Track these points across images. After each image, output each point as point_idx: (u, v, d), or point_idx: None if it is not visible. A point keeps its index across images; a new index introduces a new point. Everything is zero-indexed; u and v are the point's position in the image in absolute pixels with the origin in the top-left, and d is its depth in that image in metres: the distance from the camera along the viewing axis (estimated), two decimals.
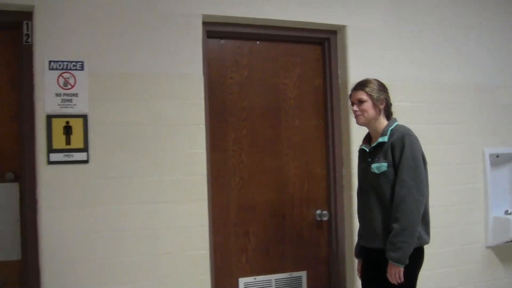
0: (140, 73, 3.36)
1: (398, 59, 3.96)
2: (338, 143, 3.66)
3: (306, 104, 3.73)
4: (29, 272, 3.23)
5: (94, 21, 3.31)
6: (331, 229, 3.69)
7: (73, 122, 3.22)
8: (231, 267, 3.68)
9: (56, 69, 3.22)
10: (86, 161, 3.24)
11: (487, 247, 4.03)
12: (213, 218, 3.55)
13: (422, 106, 4.01)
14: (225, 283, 3.66)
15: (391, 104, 2.83)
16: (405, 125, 2.76)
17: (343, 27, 3.80)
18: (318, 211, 3.65)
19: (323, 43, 3.80)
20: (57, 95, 3.20)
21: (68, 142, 3.19)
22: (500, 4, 4.35)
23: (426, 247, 2.86)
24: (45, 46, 3.22)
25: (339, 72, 3.88)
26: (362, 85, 2.76)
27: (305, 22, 3.79)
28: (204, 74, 3.46)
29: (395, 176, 2.58)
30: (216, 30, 3.56)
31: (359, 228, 2.93)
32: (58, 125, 3.19)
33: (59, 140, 3.22)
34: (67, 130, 3.19)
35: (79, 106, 3.24)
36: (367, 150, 2.77)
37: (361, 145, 2.87)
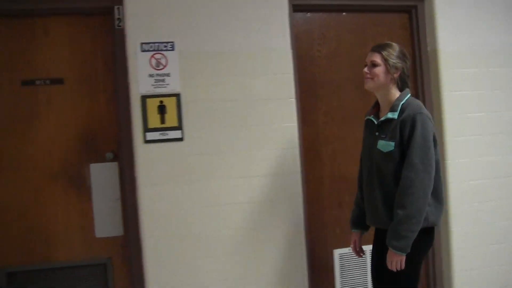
0: (229, 51, 3.40)
1: (490, 25, 3.76)
2: None
3: None
4: (131, 246, 3.38)
5: (182, 2, 3.38)
6: None
7: (167, 101, 3.28)
8: (325, 239, 3.69)
9: (148, 50, 3.28)
10: (180, 139, 3.30)
11: None
12: (307, 190, 3.56)
13: None
14: (320, 254, 3.68)
15: (408, 76, 2.54)
16: (416, 99, 2.53)
17: None
18: None
19: (410, 11, 3.72)
20: (150, 75, 3.26)
21: (162, 121, 3.25)
22: None
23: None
24: (136, 29, 3.32)
25: (428, 40, 3.75)
26: (379, 47, 2.53)
27: None
28: (292, 48, 3.46)
29: (401, 157, 2.36)
30: (302, 4, 3.55)
31: (359, 198, 2.78)
32: (152, 105, 3.26)
33: (154, 120, 3.28)
34: (161, 109, 3.26)
35: (172, 85, 3.29)
36: (375, 122, 2.54)
37: (368, 115, 2.64)
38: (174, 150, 3.32)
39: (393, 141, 2.37)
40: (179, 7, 3.33)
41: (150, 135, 3.28)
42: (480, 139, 3.68)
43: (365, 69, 2.53)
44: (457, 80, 3.67)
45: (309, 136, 3.60)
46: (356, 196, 2.81)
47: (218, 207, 3.36)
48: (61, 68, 3.40)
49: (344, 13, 3.66)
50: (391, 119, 2.42)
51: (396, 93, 2.50)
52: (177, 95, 3.30)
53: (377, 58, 2.50)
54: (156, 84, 3.26)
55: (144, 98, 3.27)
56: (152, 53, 3.26)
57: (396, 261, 2.33)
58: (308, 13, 3.62)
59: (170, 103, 3.28)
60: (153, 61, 3.27)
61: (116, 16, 3.34)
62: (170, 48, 3.30)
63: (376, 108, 2.61)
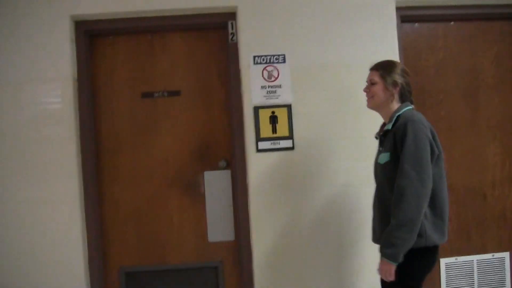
0: (338, 62, 3.47)
1: None
2: None
3: (506, 82, 3.61)
4: (242, 251, 3.52)
5: (293, 16, 3.48)
6: None
7: (278, 112, 3.40)
8: None
9: (260, 63, 3.40)
10: (291, 148, 3.42)
11: None
12: None
13: None
14: None
15: (409, 91, 2.51)
16: (416, 111, 2.45)
17: None
18: None
19: None
20: (262, 87, 3.39)
21: (274, 131, 3.37)
22: None
23: None
24: (249, 43, 3.46)
25: None
26: (377, 66, 2.52)
27: None
28: (400, 58, 3.48)
29: (397, 168, 2.25)
30: (410, 15, 3.58)
31: None
32: (264, 116, 3.38)
33: (266, 129, 3.41)
34: (273, 119, 3.38)
35: (283, 96, 3.40)
36: (378, 138, 2.52)
37: (376, 134, 2.61)
38: (284, 158, 3.41)
39: (388, 152, 2.33)
40: (290, 21, 3.43)
41: (262, 144, 3.40)
42: None
43: (364, 88, 2.53)
44: None
45: None
46: None
47: (325, 214, 3.44)
48: (177, 81, 3.59)
49: (452, 23, 3.66)
50: (387, 131, 2.39)
51: (395, 107, 2.45)
52: (288, 106, 3.41)
53: (375, 76, 2.49)
54: (268, 95, 3.38)
55: (256, 108, 3.39)
56: (264, 65, 3.37)
57: (386, 270, 2.24)
58: (416, 24, 3.63)
59: (281, 114, 3.39)
60: (265, 73, 3.38)
61: (230, 31, 3.48)
62: (282, 61, 3.40)
63: (383, 126, 2.56)
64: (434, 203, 2.26)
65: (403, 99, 2.46)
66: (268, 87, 3.40)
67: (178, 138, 3.57)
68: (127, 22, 3.48)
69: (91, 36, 3.54)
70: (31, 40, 3.42)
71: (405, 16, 3.54)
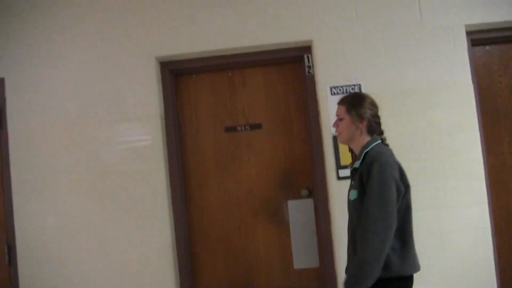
0: (412, 88, 3.58)
1: None
2: None
3: None
4: (326, 278, 3.61)
5: (366, 46, 3.61)
6: None
7: None
8: None
9: (337, 93, 3.55)
10: None
11: None
12: (494, 220, 3.59)
13: None
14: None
15: (378, 122, 2.51)
16: (384, 146, 2.47)
17: None
18: None
19: None
20: None
21: (354, 158, 3.46)
22: None
23: None
24: (325, 74, 3.61)
25: None
26: (342, 100, 2.52)
27: None
28: (473, 81, 3.55)
29: (363, 205, 2.25)
30: (480, 38, 3.65)
31: None
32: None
33: (345, 157, 3.53)
34: None
35: None
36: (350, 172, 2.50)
37: (350, 165, 2.58)
38: None
39: (357, 189, 2.32)
40: (363, 51, 3.57)
41: (343, 172, 3.52)
42: None
43: (333, 124, 2.55)
44: None
45: (494, 166, 3.65)
46: None
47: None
48: (258, 114, 3.78)
49: None
50: (357, 168, 2.38)
51: (365, 141, 2.45)
52: None
53: (341, 111, 2.49)
54: None
55: (335, 138, 3.49)
56: (341, 95, 3.47)
57: None
58: (487, 46, 3.70)
59: None
60: None
61: (306, 63, 3.64)
62: (358, 90, 3.50)
63: (355, 158, 2.54)
64: (401, 236, 2.28)
65: (372, 131, 2.46)
66: None
67: (261, 169, 3.72)
68: (208, 61, 3.70)
69: (176, 75, 3.78)
70: (119, 81, 3.68)
71: (475, 40, 3.63)
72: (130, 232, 3.57)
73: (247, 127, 3.69)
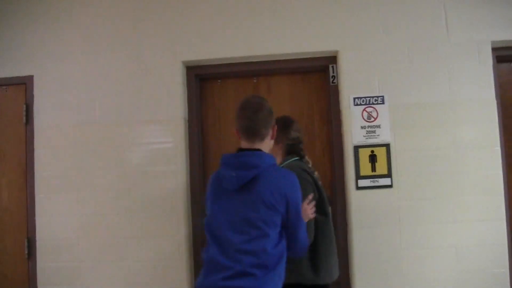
0: (435, 102, 3.61)
1: None
2: None
3: None
4: (342, 285, 3.62)
5: (390, 58, 3.67)
6: None
7: (377, 151, 3.56)
8: None
9: (360, 104, 3.58)
10: (390, 186, 3.55)
11: None
12: (511, 237, 3.58)
13: None
14: None
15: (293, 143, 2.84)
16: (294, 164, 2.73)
17: None
18: None
19: None
20: (362, 127, 3.57)
21: (373, 169, 3.53)
22: None
23: None
24: (349, 85, 3.64)
25: None
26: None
27: None
28: (496, 97, 3.57)
29: None
30: (505, 55, 3.66)
31: None
32: (364, 154, 3.55)
33: (365, 168, 3.57)
34: (372, 158, 3.54)
35: (382, 136, 3.56)
36: None
37: None
38: (383, 196, 3.55)
39: None
40: (388, 63, 3.60)
41: (362, 182, 3.55)
42: None
43: None
44: None
45: None
46: None
47: (426, 250, 3.53)
48: None
49: None
50: None
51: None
52: (387, 145, 3.56)
53: None
54: (368, 135, 3.55)
55: (356, 148, 3.56)
56: (364, 106, 3.56)
57: None
58: None
59: (380, 152, 3.55)
60: (365, 114, 3.55)
61: (331, 73, 3.67)
62: (381, 102, 3.58)
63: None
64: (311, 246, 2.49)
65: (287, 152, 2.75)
66: (368, 127, 3.57)
67: None
68: (234, 67, 3.74)
69: (201, 79, 3.83)
70: (146, 83, 3.75)
71: (501, 56, 3.64)
72: (148, 230, 3.63)
73: None
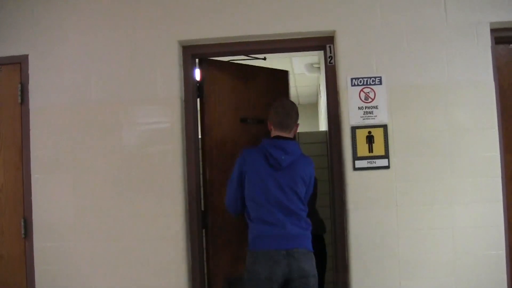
0: (433, 83, 3.58)
1: None
2: None
3: None
4: (338, 266, 3.66)
5: (388, 39, 3.64)
6: None
7: (374, 132, 3.55)
8: None
9: (357, 85, 3.57)
10: (387, 167, 3.54)
11: None
12: (509, 219, 3.59)
13: None
14: None
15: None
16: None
17: None
18: None
19: None
20: (359, 108, 3.56)
21: (370, 150, 3.52)
22: None
23: None
24: (346, 65, 3.61)
25: None
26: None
27: None
28: (494, 79, 3.56)
29: None
30: (504, 36, 3.63)
31: None
32: (361, 135, 3.55)
33: (362, 149, 3.56)
34: (369, 139, 3.53)
35: (379, 117, 3.55)
36: None
37: None
38: (380, 177, 3.55)
39: None
40: (385, 44, 3.58)
41: (359, 163, 3.55)
42: None
43: None
44: None
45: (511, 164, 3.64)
46: None
47: (422, 231, 3.53)
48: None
49: None
50: None
51: None
52: (384, 126, 3.55)
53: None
54: (365, 116, 3.54)
55: (353, 129, 3.56)
56: (361, 87, 3.53)
57: None
58: (511, 45, 3.68)
59: (377, 134, 3.54)
60: (362, 95, 3.54)
61: (328, 54, 3.65)
62: (378, 83, 3.56)
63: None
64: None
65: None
66: (365, 108, 3.56)
67: None
68: (230, 46, 3.71)
69: (198, 59, 3.78)
70: (141, 62, 3.72)
71: (499, 38, 3.61)
72: (145, 209, 3.62)
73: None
